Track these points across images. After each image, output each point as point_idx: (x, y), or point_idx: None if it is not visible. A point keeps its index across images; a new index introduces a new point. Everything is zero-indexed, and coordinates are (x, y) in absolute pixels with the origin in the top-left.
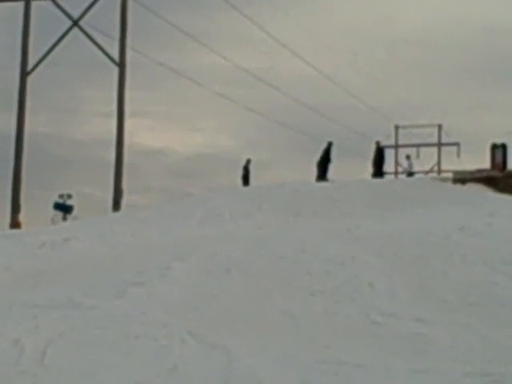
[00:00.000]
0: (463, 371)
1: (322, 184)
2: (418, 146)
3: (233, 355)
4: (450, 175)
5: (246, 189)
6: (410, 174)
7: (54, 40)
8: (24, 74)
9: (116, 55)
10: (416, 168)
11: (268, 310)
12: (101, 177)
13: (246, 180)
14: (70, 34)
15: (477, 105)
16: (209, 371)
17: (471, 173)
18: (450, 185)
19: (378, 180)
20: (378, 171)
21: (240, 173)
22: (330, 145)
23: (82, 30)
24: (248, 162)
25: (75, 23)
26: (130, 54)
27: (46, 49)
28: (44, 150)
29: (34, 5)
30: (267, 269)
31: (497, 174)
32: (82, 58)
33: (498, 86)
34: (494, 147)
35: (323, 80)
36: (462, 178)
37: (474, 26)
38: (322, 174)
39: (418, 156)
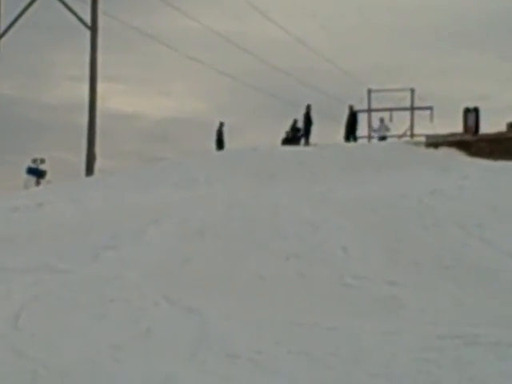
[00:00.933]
0: (435, 333)
1: (295, 148)
2: (390, 109)
3: (207, 318)
4: (423, 139)
5: (220, 153)
6: (383, 138)
7: (25, 3)
8: None
9: (88, 19)
10: (389, 132)
11: (242, 274)
12: (73, 141)
13: (219, 144)
14: None
15: (448, 69)
16: (183, 334)
17: (444, 137)
18: (422, 149)
19: (351, 144)
20: (352, 135)
21: (213, 136)
22: (308, 108)
23: None
24: (221, 125)
25: None
26: (102, 18)
27: (17, 12)
28: (14, 114)
29: None
30: (241, 232)
31: (469, 137)
32: (54, 22)
33: (469, 50)
34: (467, 111)
35: (295, 44)
36: (434, 142)
37: None
38: (306, 136)
39: (391, 120)
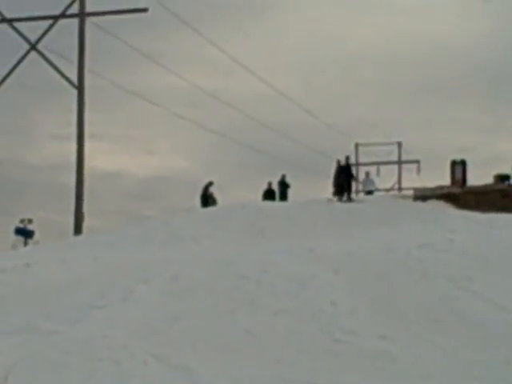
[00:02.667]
0: None
1: (284, 204)
2: (378, 163)
3: (195, 376)
4: (411, 192)
5: (207, 210)
6: (370, 192)
7: (11, 64)
8: None
9: (74, 78)
10: (376, 186)
11: (231, 330)
12: (58, 201)
13: (204, 202)
14: (28, 57)
15: (432, 122)
16: None
17: (431, 190)
18: (410, 202)
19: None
20: (347, 193)
21: (199, 194)
22: (283, 177)
23: (39, 53)
24: (209, 184)
25: (33, 47)
26: (87, 77)
27: (3, 73)
28: None
29: None
30: (230, 289)
31: (457, 190)
32: (38, 82)
33: (450, 103)
34: (454, 164)
35: (279, 99)
36: (422, 195)
37: (425, 42)
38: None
39: (378, 174)
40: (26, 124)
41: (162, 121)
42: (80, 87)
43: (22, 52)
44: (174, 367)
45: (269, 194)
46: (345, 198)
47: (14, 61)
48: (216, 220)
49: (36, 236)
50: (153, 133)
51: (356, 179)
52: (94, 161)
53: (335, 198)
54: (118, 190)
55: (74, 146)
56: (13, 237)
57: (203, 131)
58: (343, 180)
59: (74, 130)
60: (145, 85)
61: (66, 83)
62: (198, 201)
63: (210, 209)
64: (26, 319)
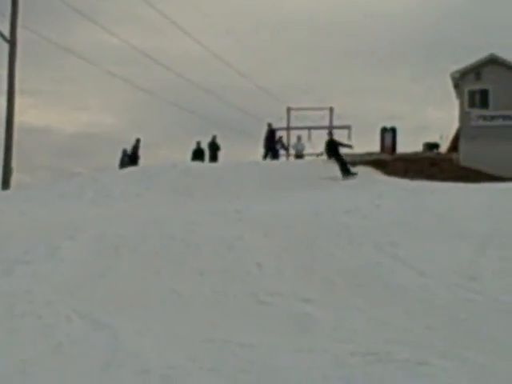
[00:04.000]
0: (348, 351)
1: (214, 165)
2: (309, 128)
3: (119, 333)
4: None
5: (136, 168)
6: (300, 156)
7: None
8: None
9: (6, 32)
10: (307, 150)
11: (156, 290)
12: None
13: (133, 160)
14: None
15: (362, 88)
16: (94, 350)
17: (361, 155)
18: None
19: (269, 162)
20: (271, 152)
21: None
22: (214, 137)
23: None
24: (137, 141)
25: None
26: (19, 31)
27: None
28: None
29: None
30: (156, 249)
31: (386, 156)
32: None
33: (380, 70)
34: (384, 130)
35: (212, 60)
36: (352, 161)
37: (358, 8)
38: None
39: (309, 138)
40: None
41: (92, 78)
42: (12, 41)
43: None
44: (97, 324)
45: (198, 154)
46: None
47: None
48: (144, 179)
49: None
50: (83, 89)
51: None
52: (23, 116)
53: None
54: (46, 146)
55: (3, 101)
56: None
57: (134, 89)
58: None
59: (3, 84)
60: (77, 41)
61: None
62: (118, 161)
63: (138, 168)
64: None
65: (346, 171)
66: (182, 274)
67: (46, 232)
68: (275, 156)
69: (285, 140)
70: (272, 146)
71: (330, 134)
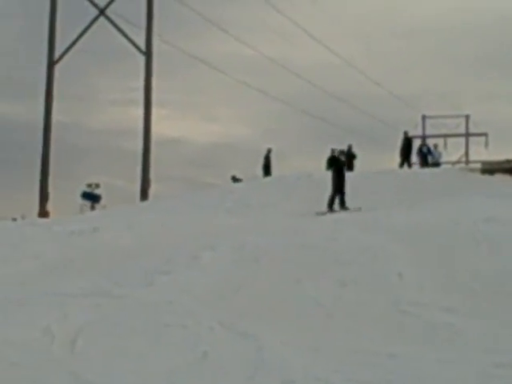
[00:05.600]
0: (493, 362)
1: (350, 174)
2: (445, 136)
3: (263, 343)
4: (478, 166)
5: (271, 178)
6: (437, 164)
7: (80, 29)
8: (51, 63)
9: (141, 44)
10: (443, 158)
11: (298, 300)
12: (121, 166)
13: (267, 170)
14: (97, 23)
15: (497, 94)
16: (239, 359)
17: (499, 163)
18: (478, 175)
19: (405, 170)
20: (406, 161)
21: (260, 162)
22: (349, 147)
23: (108, 18)
24: (269, 151)
25: (101, 12)
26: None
27: (72, 38)
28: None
29: None
30: (296, 258)
31: None
32: (104, 47)
33: None
34: None
35: (343, 67)
36: (490, 169)
37: (488, 14)
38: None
39: (445, 146)
40: (88, 89)
41: (224, 88)
42: (148, 53)
43: (91, 18)
44: (240, 334)
45: (333, 161)
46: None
47: (83, 26)
48: (280, 188)
49: (103, 200)
50: (215, 100)
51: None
52: (156, 127)
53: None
54: (178, 157)
55: (134, 112)
56: (79, 201)
57: (265, 99)
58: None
59: (134, 95)
60: (209, 51)
61: (130, 49)
62: (259, 169)
63: (274, 177)
64: (93, 283)
65: (342, 203)
66: (323, 283)
67: (186, 242)
68: (410, 165)
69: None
70: (408, 154)
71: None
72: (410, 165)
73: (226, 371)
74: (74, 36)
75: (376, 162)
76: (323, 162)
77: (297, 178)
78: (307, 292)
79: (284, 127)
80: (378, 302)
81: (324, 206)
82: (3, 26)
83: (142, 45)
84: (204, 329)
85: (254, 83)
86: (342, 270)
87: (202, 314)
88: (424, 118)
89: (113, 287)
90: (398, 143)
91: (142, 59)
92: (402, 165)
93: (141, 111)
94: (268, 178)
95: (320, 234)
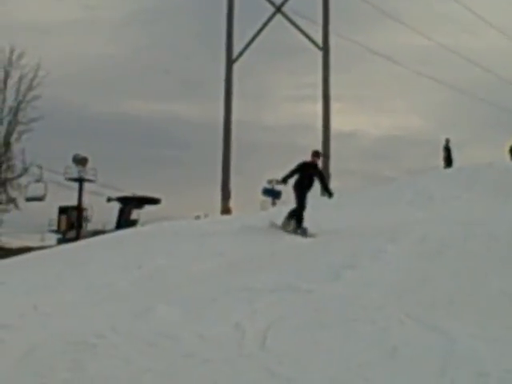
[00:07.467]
0: None
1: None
2: None
3: (453, 336)
4: None
5: (452, 170)
6: None
7: (256, 27)
8: (230, 61)
9: (318, 39)
10: None
11: (485, 292)
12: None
13: (448, 161)
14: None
15: None
16: (429, 353)
17: None
18: None
19: None
20: None
21: (440, 153)
22: (447, 141)
23: (284, 15)
24: (447, 141)
25: (278, 9)
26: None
27: (249, 36)
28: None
29: None
30: (481, 250)
31: None
32: (281, 45)
33: None
34: None
35: None
36: None
37: None
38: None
39: None
40: (262, 86)
41: (398, 80)
42: (325, 48)
43: (267, 15)
44: (429, 327)
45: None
46: None
47: (259, 24)
48: (462, 180)
49: (283, 196)
50: (389, 92)
51: None
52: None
53: None
54: (353, 151)
55: (308, 107)
56: (261, 197)
57: (439, 88)
58: None
59: (307, 91)
60: (382, 43)
61: (306, 45)
62: (440, 160)
63: (454, 168)
64: (279, 278)
65: (299, 222)
66: (510, 274)
67: (370, 236)
68: None
69: None
70: None
71: (317, 154)
72: None
73: (416, 365)
74: (251, 34)
75: None
76: (504, 151)
77: (477, 168)
78: (493, 284)
79: (460, 117)
80: None
81: None
82: (182, 27)
83: (319, 40)
84: (393, 323)
85: (429, 73)
86: None
87: (389, 307)
88: None
89: (299, 282)
90: None
91: (317, 55)
92: None
93: (314, 106)
94: (448, 170)
95: (503, 226)
